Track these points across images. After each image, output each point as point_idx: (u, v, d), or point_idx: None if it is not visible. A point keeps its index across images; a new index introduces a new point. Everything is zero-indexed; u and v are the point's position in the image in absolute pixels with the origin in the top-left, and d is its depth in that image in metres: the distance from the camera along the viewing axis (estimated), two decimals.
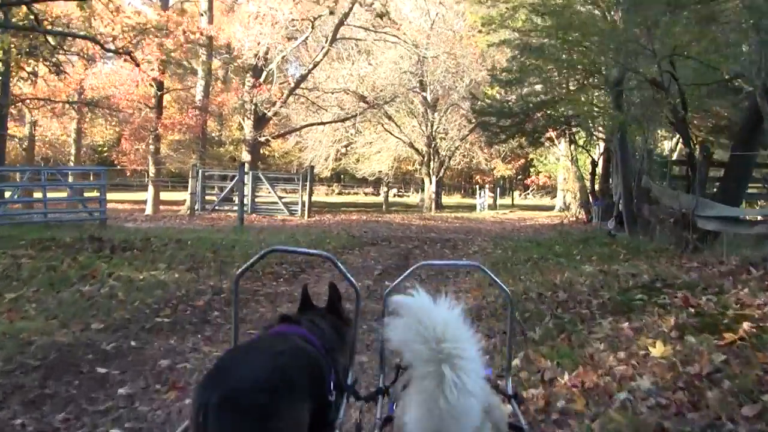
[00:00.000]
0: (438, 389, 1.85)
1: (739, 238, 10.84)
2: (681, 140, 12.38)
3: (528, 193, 62.36)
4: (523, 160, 51.52)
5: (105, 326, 6.66)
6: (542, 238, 18.89)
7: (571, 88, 18.20)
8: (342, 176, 63.21)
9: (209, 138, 44.42)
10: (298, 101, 36.24)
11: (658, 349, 5.26)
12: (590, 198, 25.28)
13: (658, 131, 18.28)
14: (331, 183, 63.29)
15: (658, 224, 13.24)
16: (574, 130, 23.97)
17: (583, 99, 17.59)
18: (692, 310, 6.35)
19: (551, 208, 46.01)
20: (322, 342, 2.65)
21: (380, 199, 44.95)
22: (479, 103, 23.70)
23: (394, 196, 55.93)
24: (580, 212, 26.95)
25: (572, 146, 26.48)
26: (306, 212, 26.18)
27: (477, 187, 46.84)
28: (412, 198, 57.32)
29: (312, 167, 29.29)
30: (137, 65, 21.13)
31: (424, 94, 37.12)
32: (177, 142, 35.97)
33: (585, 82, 17.88)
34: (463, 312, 1.99)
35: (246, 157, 30.80)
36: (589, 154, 26.25)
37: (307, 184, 26.54)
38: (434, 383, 1.85)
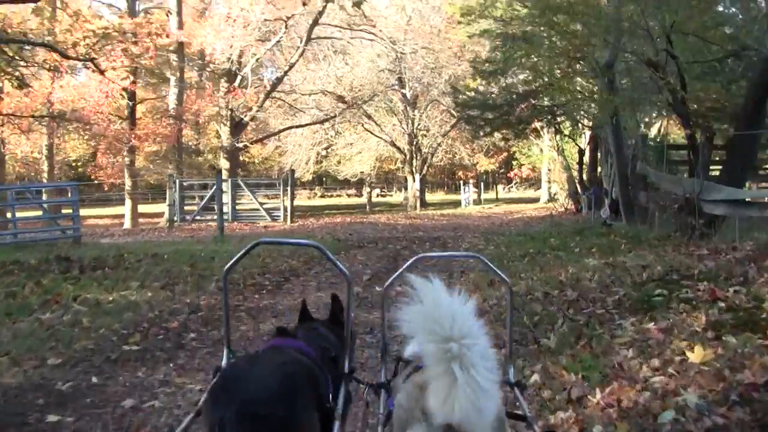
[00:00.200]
0: (452, 388, 1.79)
1: (750, 222, 10.19)
2: (680, 122, 11.67)
3: (511, 187, 61.80)
4: (505, 154, 50.96)
5: (63, 360, 5.85)
6: (534, 231, 18.25)
7: (557, 75, 17.44)
8: (324, 179, 62.39)
9: (187, 147, 43.47)
10: (275, 105, 35.44)
11: (696, 354, 4.55)
12: (578, 188, 24.66)
13: (647, 116, 17.50)
14: (313, 186, 62.51)
15: (657, 211, 12.58)
16: (559, 119, 23.33)
17: (569, 87, 16.92)
18: (722, 305, 5.68)
19: (536, 200, 45.57)
20: (319, 354, 2.63)
21: (363, 200, 44.28)
22: (462, 96, 22.95)
23: (377, 196, 55.24)
24: (568, 203, 26.33)
25: (557, 136, 25.85)
26: (289, 217, 25.40)
27: (461, 182, 46.12)
28: (396, 197, 56.60)
29: (293, 171, 28.44)
30: (101, 73, 20.18)
31: (403, 91, 36.35)
32: (154, 153, 35.10)
33: (570, 68, 17.21)
34: (475, 306, 1.96)
35: (224, 164, 29.95)
36: (576, 144, 25.62)
37: (289, 188, 25.74)
38: (448, 382, 1.80)
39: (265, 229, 23.76)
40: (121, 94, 27.24)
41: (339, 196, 61.54)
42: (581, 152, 24.86)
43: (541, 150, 41.73)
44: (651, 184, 13.56)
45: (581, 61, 15.64)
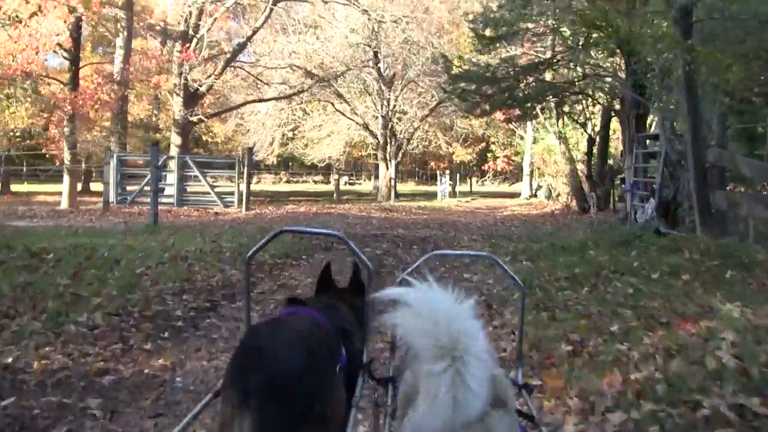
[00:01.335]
0: (444, 388, 1.62)
1: None
2: None
3: (485, 180, 57.89)
4: (483, 144, 47.18)
5: None
6: (544, 234, 14.17)
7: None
8: (290, 163, 57.67)
9: (144, 123, 38.76)
10: (238, 78, 30.89)
11: None
12: (585, 184, 20.52)
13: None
14: (278, 170, 57.86)
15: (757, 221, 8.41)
16: (572, 98, 19.07)
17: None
18: None
19: (516, 195, 41.88)
20: (333, 323, 2.34)
21: (331, 187, 40.01)
22: (456, 67, 18.48)
23: (345, 184, 51.04)
24: (570, 200, 22.00)
25: (559, 122, 21.67)
26: (244, 204, 20.78)
27: (438, 173, 41.92)
28: (365, 186, 52.42)
29: (251, 149, 23.19)
30: None
31: (379, 65, 31.77)
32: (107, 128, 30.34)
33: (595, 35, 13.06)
34: (473, 306, 1.74)
35: (176, 139, 25.43)
36: (585, 131, 21.42)
37: (245, 170, 21.08)
38: (440, 382, 1.62)
39: (216, 216, 19.29)
40: (54, 51, 22.44)
41: (305, 182, 57.16)
42: (591, 141, 20.62)
43: (523, 138, 37.94)
44: (745, 181, 9.47)
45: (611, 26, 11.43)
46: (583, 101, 19.77)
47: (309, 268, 9.68)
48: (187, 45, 23.71)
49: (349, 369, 2.28)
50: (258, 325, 2.41)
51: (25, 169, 41.37)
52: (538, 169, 31.87)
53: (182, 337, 5.69)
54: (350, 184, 54.78)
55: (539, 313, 6.05)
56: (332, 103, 33.31)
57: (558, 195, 23.80)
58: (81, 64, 25.08)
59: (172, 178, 23.04)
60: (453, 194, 39.77)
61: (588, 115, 21.07)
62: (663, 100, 11.76)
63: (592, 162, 20.60)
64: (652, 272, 7.70)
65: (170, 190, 23.06)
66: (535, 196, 38.84)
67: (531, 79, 16.74)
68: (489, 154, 52.81)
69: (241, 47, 26.16)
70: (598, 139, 20.57)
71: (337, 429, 1.96)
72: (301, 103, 33.59)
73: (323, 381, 1.90)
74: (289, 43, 29.98)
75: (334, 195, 35.42)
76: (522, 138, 39.45)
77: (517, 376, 2.66)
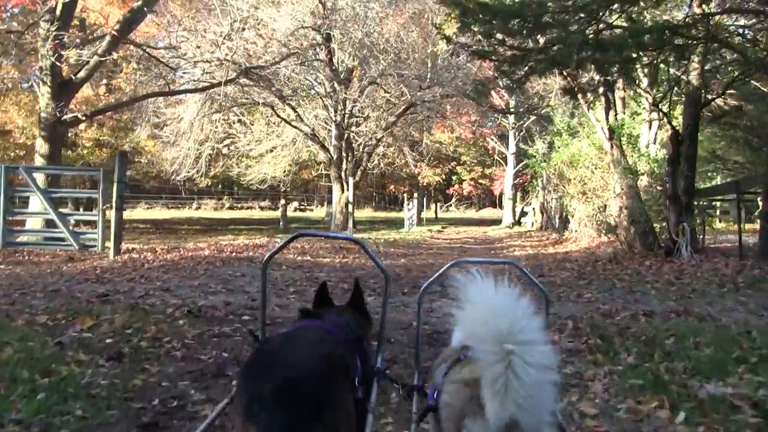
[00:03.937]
0: (508, 371, 1.57)
1: None
2: None
3: (450, 205, 50.05)
4: (454, 163, 39.81)
5: None
6: (660, 314, 6.08)
7: None
8: (235, 187, 48.55)
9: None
10: (149, 70, 22.24)
11: None
12: (669, 208, 12.13)
13: None
14: (221, 195, 48.96)
15: None
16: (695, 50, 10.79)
17: None
18: None
19: (493, 221, 34.24)
20: (345, 336, 2.27)
21: (279, 213, 31.62)
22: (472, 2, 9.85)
23: (295, 209, 42.69)
24: (632, 235, 13.22)
25: (610, 112, 13.42)
26: (113, 243, 11.51)
27: (405, 197, 33.75)
28: (317, 212, 44.00)
29: (123, 153, 12.63)
30: None
31: (332, 47, 23.10)
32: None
33: None
34: (529, 303, 1.66)
35: (42, 147, 16.67)
36: (669, 123, 13.04)
37: (115, 188, 11.42)
38: (503, 366, 1.57)
39: (63, 265, 10.60)
40: None
41: (251, 207, 48.51)
42: (677, 140, 12.11)
43: (505, 157, 30.23)
44: None
45: None
46: (679, 67, 11.79)
47: None
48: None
49: (365, 379, 2.19)
50: (270, 336, 2.52)
51: None
52: (546, 189, 23.26)
53: None
54: (300, 209, 46.55)
55: None
56: (272, 107, 24.52)
57: (611, 223, 15.07)
58: None
59: (34, 203, 14.67)
60: (419, 221, 31.79)
61: (672, 98, 12.83)
62: None
63: (679, 172, 12.16)
64: None
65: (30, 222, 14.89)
66: (519, 223, 31.00)
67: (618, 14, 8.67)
68: (454, 177, 45.48)
69: (135, 14, 17.33)
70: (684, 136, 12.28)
71: None
72: (233, 106, 25.17)
73: (332, 387, 1.79)
74: (221, 33, 21.58)
75: (281, 223, 27.49)
76: (503, 157, 31.68)
77: None
